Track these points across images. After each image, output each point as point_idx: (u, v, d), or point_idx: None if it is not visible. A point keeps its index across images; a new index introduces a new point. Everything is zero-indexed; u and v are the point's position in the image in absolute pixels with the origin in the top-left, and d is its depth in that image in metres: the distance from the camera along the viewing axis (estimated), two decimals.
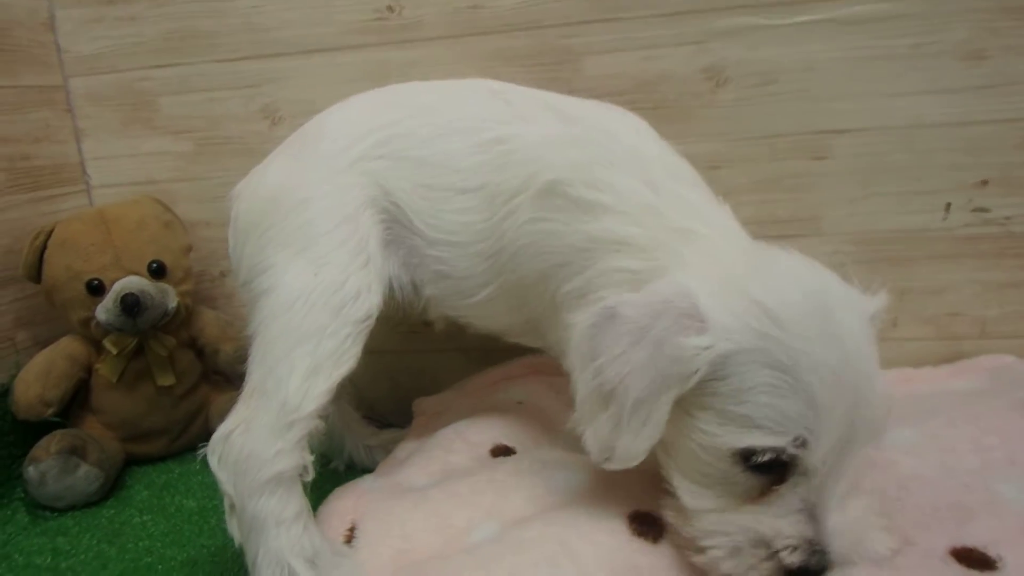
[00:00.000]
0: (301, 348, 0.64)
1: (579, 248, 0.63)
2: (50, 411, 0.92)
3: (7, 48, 0.96)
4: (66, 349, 0.94)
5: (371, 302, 0.66)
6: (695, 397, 0.54)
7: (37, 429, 0.92)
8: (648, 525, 0.62)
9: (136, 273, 0.92)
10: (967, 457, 0.67)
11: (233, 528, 0.66)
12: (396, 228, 0.71)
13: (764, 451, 0.51)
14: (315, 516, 0.69)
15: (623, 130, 0.67)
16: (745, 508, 0.54)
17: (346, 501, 0.74)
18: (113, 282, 0.91)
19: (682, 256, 0.58)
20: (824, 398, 0.50)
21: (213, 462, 0.66)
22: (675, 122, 0.91)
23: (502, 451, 0.79)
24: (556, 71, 0.92)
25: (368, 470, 0.92)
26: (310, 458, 0.65)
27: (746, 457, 0.52)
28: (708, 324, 0.52)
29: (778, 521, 0.53)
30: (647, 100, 0.91)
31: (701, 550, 0.55)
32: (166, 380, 0.95)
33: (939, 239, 0.89)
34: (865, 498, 0.56)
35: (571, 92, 0.89)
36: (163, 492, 0.92)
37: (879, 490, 0.65)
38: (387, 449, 0.94)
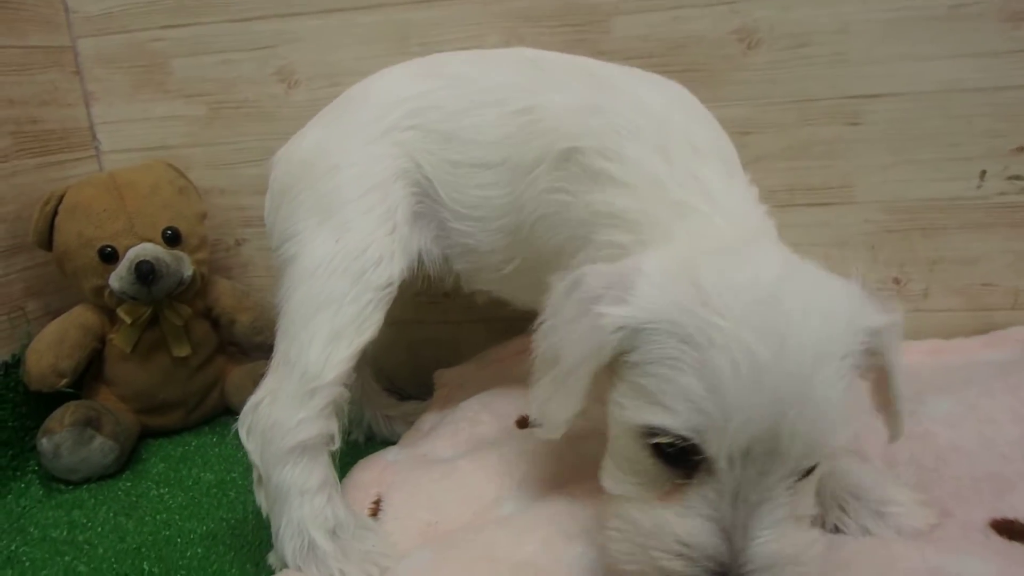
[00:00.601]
0: (321, 315, 0.63)
1: (584, 220, 0.61)
2: (63, 382, 0.90)
3: (13, 7, 0.93)
4: (79, 318, 0.92)
5: (393, 269, 0.65)
6: (619, 369, 0.50)
7: (50, 401, 0.91)
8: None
9: (150, 240, 0.90)
10: (1007, 427, 0.66)
11: (261, 499, 0.65)
12: (427, 201, 0.70)
13: (660, 431, 0.46)
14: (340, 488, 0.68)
15: (653, 98, 0.64)
16: (655, 503, 0.49)
17: (370, 473, 0.73)
18: (127, 249, 0.89)
19: (670, 233, 0.56)
20: (732, 386, 0.44)
21: (243, 433, 0.65)
22: (705, 85, 0.88)
23: (528, 422, 0.78)
24: (583, 32, 0.89)
25: (388, 441, 0.91)
26: (336, 426, 0.64)
27: (649, 437, 0.48)
28: (632, 296, 0.48)
29: (677, 520, 0.47)
30: (677, 63, 0.88)
31: (603, 531, 0.52)
32: (181, 351, 0.93)
33: (973, 208, 0.88)
34: (812, 534, 0.49)
35: (598, 55, 0.86)
36: (180, 465, 0.90)
37: (916, 461, 0.64)
38: (408, 420, 0.93)
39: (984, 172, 0.87)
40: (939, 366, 0.82)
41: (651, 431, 0.47)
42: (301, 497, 0.62)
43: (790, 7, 0.85)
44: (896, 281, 0.91)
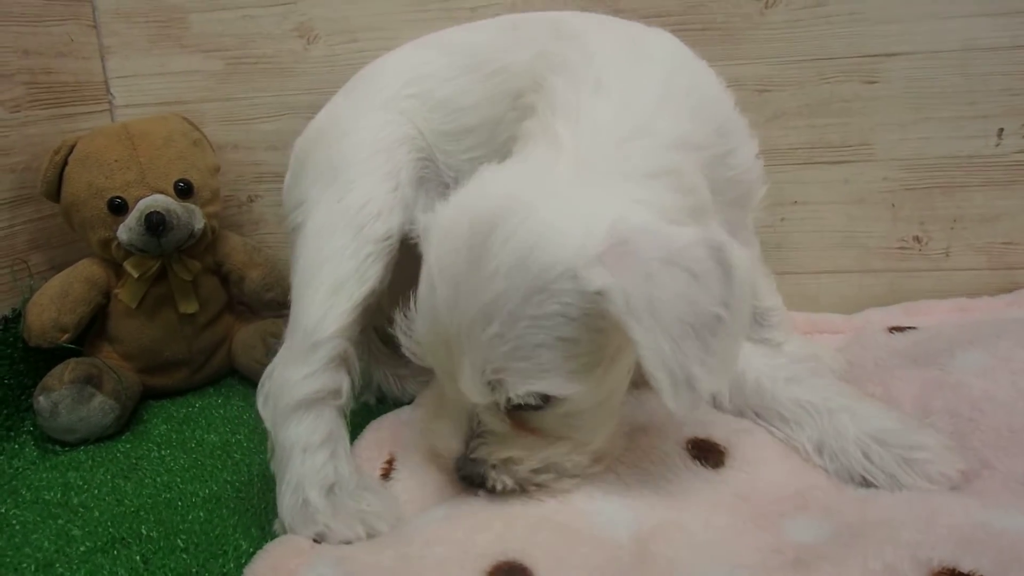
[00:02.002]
0: (323, 269, 0.64)
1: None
2: (65, 337, 0.87)
3: None
4: (84, 272, 0.89)
5: (392, 222, 0.66)
6: None
7: (49, 358, 0.87)
8: (706, 451, 0.60)
9: (162, 191, 0.88)
10: None
11: (273, 467, 0.63)
12: (431, 166, 0.72)
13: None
14: (351, 447, 0.66)
15: (598, 40, 0.64)
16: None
17: (384, 432, 0.71)
18: (137, 200, 0.87)
19: (524, 151, 0.58)
20: (422, 316, 0.53)
21: (260, 401, 0.64)
22: (723, 44, 0.89)
23: None
24: None
25: (400, 402, 0.88)
26: (346, 381, 0.63)
27: None
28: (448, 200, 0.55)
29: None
30: (695, 21, 0.89)
31: None
32: (189, 307, 0.91)
33: (992, 165, 0.88)
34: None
35: (617, 12, 0.87)
36: (183, 426, 0.87)
37: (951, 411, 0.62)
38: (420, 380, 0.90)
39: (1002, 130, 0.87)
40: (965, 323, 0.81)
41: None
42: (303, 454, 0.61)
43: None
44: (917, 240, 0.91)
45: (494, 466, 0.55)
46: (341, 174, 0.67)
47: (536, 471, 0.56)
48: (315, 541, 0.57)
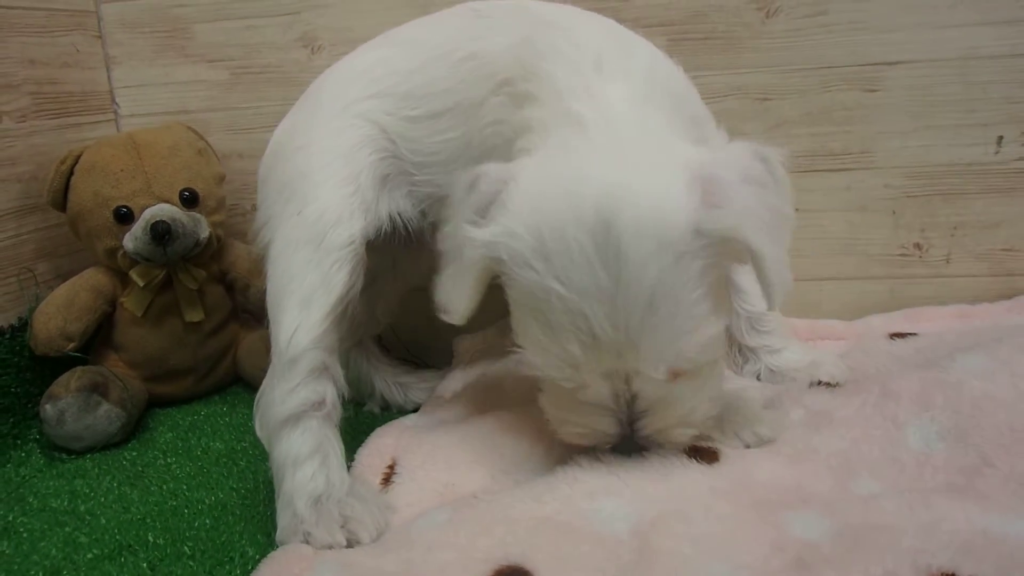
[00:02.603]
0: (291, 285, 0.65)
1: (512, 140, 0.63)
2: (71, 345, 0.87)
3: None
4: (90, 281, 0.90)
5: (353, 227, 0.66)
6: (505, 282, 0.55)
7: (55, 367, 0.88)
8: (700, 453, 0.60)
9: (167, 200, 0.89)
10: None
11: (275, 485, 0.64)
12: (395, 162, 0.72)
13: (533, 365, 0.55)
14: (355, 456, 0.67)
15: (582, 27, 0.66)
16: (574, 391, 0.57)
17: (386, 439, 0.72)
18: (143, 209, 0.87)
19: (551, 136, 0.58)
20: (576, 343, 0.52)
21: (256, 425, 0.66)
22: (725, 53, 0.90)
23: None
24: (604, 0, 0.90)
25: (404, 411, 0.88)
26: (329, 389, 0.64)
27: None
28: (493, 224, 0.53)
29: (586, 410, 0.57)
30: (697, 30, 0.90)
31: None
32: (194, 315, 0.91)
33: (992, 172, 0.88)
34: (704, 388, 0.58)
35: (619, 22, 0.88)
36: (188, 434, 0.87)
37: (952, 407, 0.62)
38: (423, 387, 0.91)
39: (1001, 138, 0.88)
40: (967, 329, 0.82)
41: None
42: (293, 468, 0.62)
43: None
44: (918, 247, 0.91)
45: (656, 433, 0.57)
46: (299, 187, 0.68)
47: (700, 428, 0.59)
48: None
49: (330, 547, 0.56)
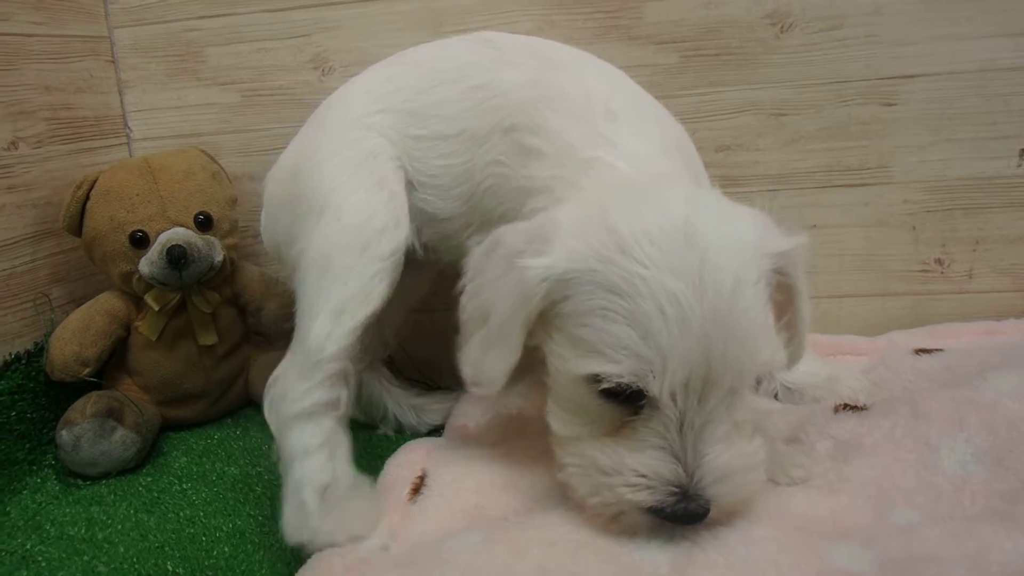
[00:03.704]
0: (328, 292, 0.65)
1: (516, 194, 0.63)
2: (86, 371, 0.87)
3: None
4: (105, 305, 0.90)
5: (399, 236, 0.67)
6: (553, 320, 0.53)
7: (70, 392, 0.88)
8: None
9: (182, 224, 0.89)
10: None
11: (280, 470, 0.66)
12: (405, 175, 0.72)
13: (605, 377, 0.49)
14: (384, 465, 0.68)
15: (588, 73, 0.67)
16: (606, 439, 0.52)
17: (418, 451, 0.71)
18: (158, 234, 0.87)
19: (580, 187, 0.58)
20: (664, 331, 0.48)
21: (265, 407, 0.67)
22: (739, 68, 0.89)
23: None
24: (616, 18, 0.90)
25: (419, 432, 0.88)
26: (344, 393, 0.66)
27: (594, 383, 0.51)
28: (552, 246, 0.51)
29: (632, 454, 0.51)
30: (710, 47, 0.89)
31: (562, 470, 0.55)
32: (208, 339, 0.91)
33: (1014, 186, 0.87)
34: (756, 442, 0.53)
35: (631, 40, 0.87)
36: (203, 458, 0.87)
37: (987, 427, 0.61)
38: (436, 408, 0.90)
39: (1023, 151, 0.86)
40: (994, 346, 0.80)
41: (596, 378, 0.50)
42: (303, 456, 0.64)
43: None
44: (939, 262, 0.90)
45: (719, 481, 0.50)
46: (330, 199, 0.67)
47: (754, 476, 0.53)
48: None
49: (333, 544, 0.58)
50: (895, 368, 0.78)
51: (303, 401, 0.64)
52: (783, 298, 0.56)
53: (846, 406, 0.70)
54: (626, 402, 0.51)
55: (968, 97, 0.86)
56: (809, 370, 0.77)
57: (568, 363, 0.52)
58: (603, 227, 0.51)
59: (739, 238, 0.52)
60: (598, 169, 0.58)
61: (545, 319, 0.53)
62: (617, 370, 0.49)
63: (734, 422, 0.51)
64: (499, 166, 0.65)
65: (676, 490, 0.50)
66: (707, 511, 0.50)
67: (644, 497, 0.50)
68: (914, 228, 0.90)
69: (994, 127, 0.86)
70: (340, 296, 0.64)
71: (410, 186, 0.72)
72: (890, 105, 0.87)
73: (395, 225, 0.66)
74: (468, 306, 0.57)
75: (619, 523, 0.52)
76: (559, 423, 0.55)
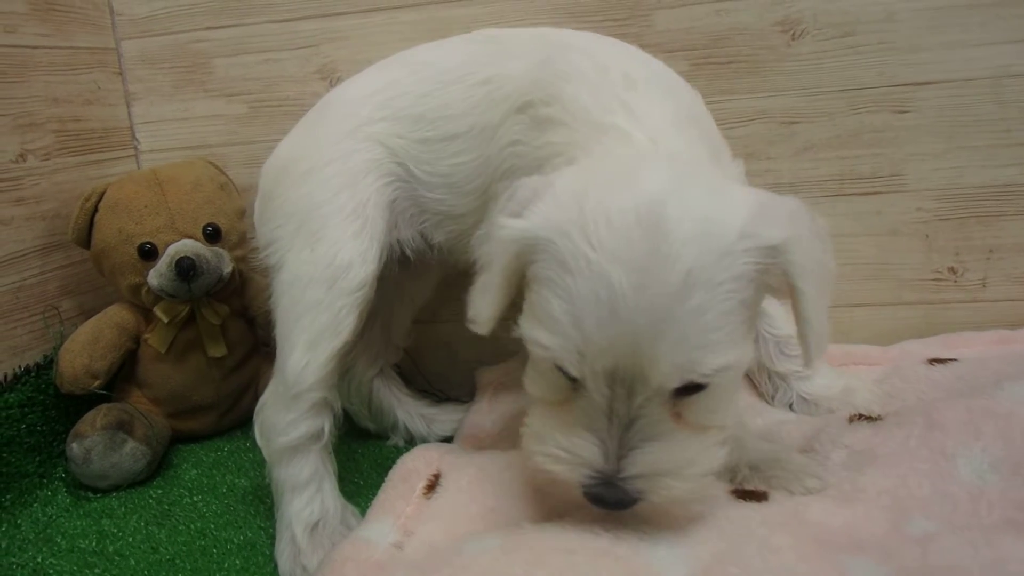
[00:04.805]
0: (300, 323, 0.67)
1: (535, 164, 0.63)
2: (96, 383, 0.87)
3: (61, 9, 0.94)
4: (114, 318, 0.90)
5: (365, 272, 0.68)
6: (529, 279, 0.53)
7: (80, 404, 0.88)
8: (749, 494, 0.59)
9: (191, 236, 0.88)
10: None
11: (273, 493, 0.71)
12: (401, 185, 0.72)
13: (541, 346, 0.49)
14: (397, 461, 0.69)
15: (601, 48, 0.67)
16: (556, 408, 0.53)
17: (432, 452, 0.71)
18: (166, 246, 0.87)
19: (590, 152, 0.57)
20: (592, 316, 0.46)
21: (256, 432, 0.71)
22: (750, 76, 0.88)
23: None
24: (626, 26, 0.89)
25: (427, 441, 0.87)
26: (326, 421, 0.69)
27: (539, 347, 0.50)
28: (528, 212, 0.51)
29: (563, 429, 0.51)
30: (721, 55, 0.88)
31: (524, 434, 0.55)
32: (217, 351, 0.91)
33: None
34: (704, 448, 0.51)
35: (641, 48, 0.86)
36: (213, 471, 0.87)
37: (1003, 436, 0.60)
38: (446, 419, 0.90)
39: None
40: (1009, 355, 0.79)
41: (535, 343, 0.50)
42: (292, 493, 0.68)
43: None
44: (952, 271, 0.89)
45: (644, 477, 0.49)
46: (309, 219, 0.68)
47: (691, 485, 0.50)
48: None
49: None
50: (908, 379, 0.77)
51: (289, 434, 0.68)
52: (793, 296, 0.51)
53: (860, 416, 0.70)
54: (568, 377, 0.50)
55: (982, 104, 0.85)
56: (825, 382, 0.77)
57: (522, 324, 0.52)
58: (576, 200, 0.49)
59: (712, 231, 0.47)
60: (613, 137, 0.57)
61: (528, 277, 0.53)
62: (550, 343, 0.48)
63: (683, 423, 0.50)
64: (516, 145, 0.65)
65: (593, 475, 0.49)
66: (633, 499, 0.49)
67: (563, 471, 0.50)
68: (927, 236, 0.89)
69: (1008, 134, 0.85)
70: (312, 328, 0.67)
71: (419, 193, 0.72)
72: (903, 112, 0.86)
73: (361, 260, 0.67)
74: (480, 249, 0.57)
75: (553, 491, 0.54)
76: (527, 380, 0.55)
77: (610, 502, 0.50)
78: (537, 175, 0.59)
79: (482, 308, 0.55)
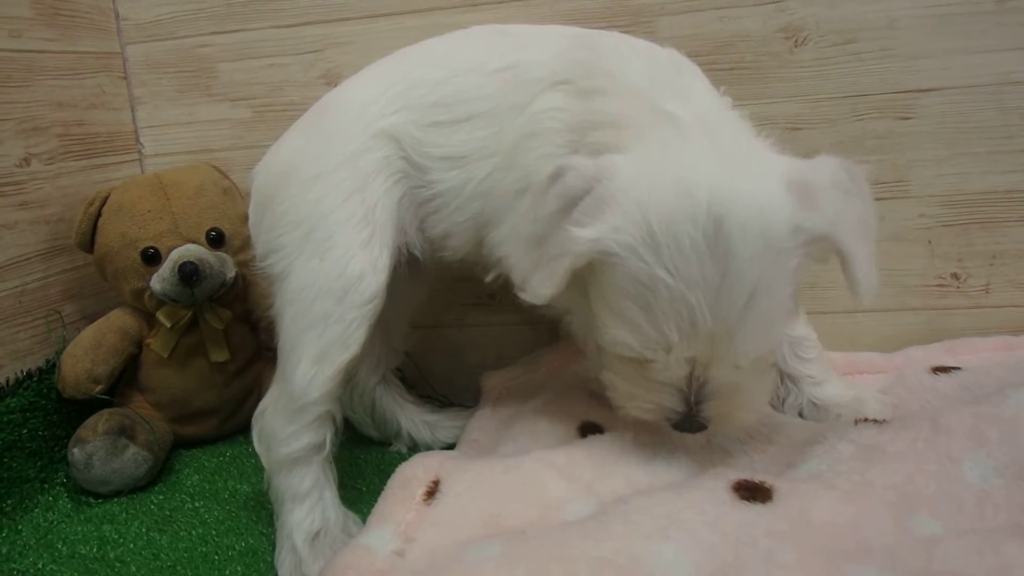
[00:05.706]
0: (308, 335, 0.66)
1: (575, 127, 0.64)
2: (98, 388, 0.87)
3: (67, 13, 0.95)
4: (117, 322, 0.90)
5: (376, 283, 0.66)
6: (596, 271, 0.57)
7: (82, 409, 0.88)
8: (753, 491, 0.58)
9: (194, 241, 0.88)
10: None
11: (272, 500, 0.70)
12: (406, 180, 0.70)
13: (625, 346, 0.57)
14: (396, 469, 0.68)
15: (638, 41, 0.69)
16: (641, 367, 0.59)
17: (432, 459, 0.70)
18: (170, 250, 0.87)
19: (646, 134, 0.59)
20: (674, 330, 0.54)
21: (255, 438, 0.71)
22: (753, 83, 0.88)
23: (590, 428, 0.74)
24: (629, 32, 0.87)
25: (431, 448, 0.87)
26: (328, 433, 0.68)
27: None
28: (599, 218, 0.55)
29: (647, 384, 0.59)
30: (724, 61, 0.89)
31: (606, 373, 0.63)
32: (220, 356, 0.91)
33: None
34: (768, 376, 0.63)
35: None
36: (215, 476, 0.86)
37: (1009, 441, 0.60)
38: (450, 425, 0.90)
39: None
40: (1013, 362, 0.79)
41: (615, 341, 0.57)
42: (293, 502, 0.67)
43: (836, 5, 0.86)
44: (955, 277, 0.89)
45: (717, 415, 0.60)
46: (317, 227, 0.66)
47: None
48: None
49: None
50: (913, 389, 0.77)
51: (291, 444, 0.67)
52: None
53: (866, 419, 0.70)
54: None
55: (984, 110, 0.85)
56: (838, 390, 0.77)
57: (600, 315, 0.58)
58: (641, 211, 0.54)
59: (768, 235, 0.53)
60: (670, 126, 0.59)
61: (592, 264, 0.57)
62: (635, 343, 0.56)
63: (742, 370, 0.58)
64: (553, 111, 0.65)
65: (679, 414, 0.60)
66: (706, 426, 0.60)
67: (655, 417, 0.61)
68: (930, 242, 0.89)
69: (1010, 141, 0.85)
70: (320, 342, 0.65)
71: (428, 179, 0.70)
72: (905, 119, 0.87)
73: (372, 271, 0.66)
74: (527, 226, 0.60)
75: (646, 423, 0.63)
76: (602, 337, 0.60)
77: (691, 429, 0.60)
78: (572, 142, 0.63)
79: (539, 286, 0.58)
